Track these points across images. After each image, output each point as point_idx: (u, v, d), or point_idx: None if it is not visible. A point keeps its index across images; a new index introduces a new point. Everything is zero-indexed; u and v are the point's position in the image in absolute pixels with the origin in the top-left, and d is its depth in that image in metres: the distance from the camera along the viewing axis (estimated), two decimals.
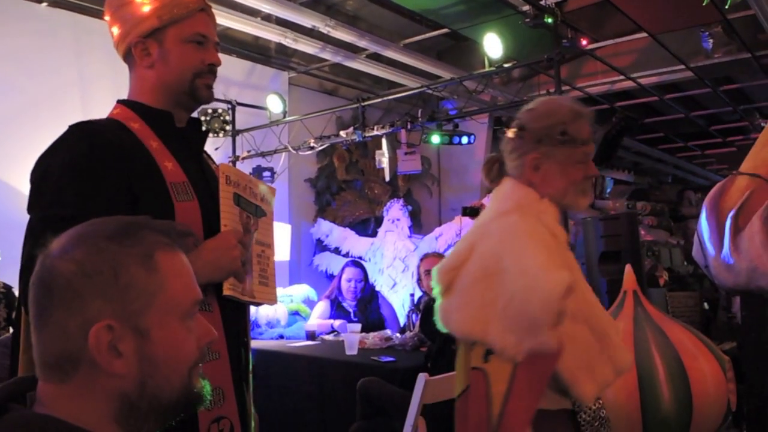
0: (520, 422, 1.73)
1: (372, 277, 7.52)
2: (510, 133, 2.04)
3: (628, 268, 3.89)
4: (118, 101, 1.94)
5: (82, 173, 1.70)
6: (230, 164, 2.04)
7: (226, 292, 1.81)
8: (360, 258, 7.76)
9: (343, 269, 6.14)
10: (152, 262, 1.09)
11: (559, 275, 1.72)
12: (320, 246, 8.12)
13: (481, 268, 1.87)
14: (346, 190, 8.66)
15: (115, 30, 1.93)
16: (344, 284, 5.98)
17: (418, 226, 9.00)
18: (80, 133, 1.77)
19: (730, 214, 1.86)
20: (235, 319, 1.92)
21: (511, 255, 1.81)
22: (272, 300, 2.12)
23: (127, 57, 1.94)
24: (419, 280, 5.25)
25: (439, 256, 5.22)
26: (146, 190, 1.76)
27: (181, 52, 1.89)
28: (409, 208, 8.09)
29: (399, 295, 7.26)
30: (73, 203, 1.65)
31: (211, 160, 2.14)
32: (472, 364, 1.86)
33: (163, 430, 1.15)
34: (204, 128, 2.13)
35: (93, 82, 5.71)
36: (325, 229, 8.01)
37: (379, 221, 8.17)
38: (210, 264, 1.76)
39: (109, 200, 1.69)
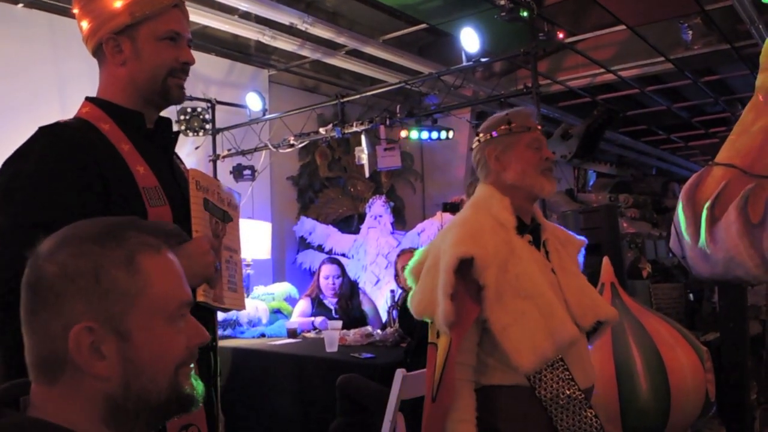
0: (446, 390, 2.06)
1: (355, 273, 7.53)
2: (474, 144, 2.40)
3: (605, 260, 3.90)
4: (87, 98, 1.91)
5: (53, 178, 1.67)
6: (199, 168, 2.00)
7: (200, 298, 1.78)
8: (343, 255, 7.76)
9: (319, 267, 6.14)
10: (134, 264, 1.09)
11: (454, 250, 2.06)
12: (303, 244, 8.10)
13: (432, 258, 2.17)
14: (328, 188, 8.64)
15: (85, 24, 1.88)
16: (323, 282, 5.98)
17: (402, 222, 9.00)
18: (51, 137, 1.74)
19: (707, 205, 1.86)
20: (204, 326, 1.89)
21: (443, 242, 2.16)
22: (240, 306, 2.09)
23: (97, 52, 1.90)
24: (396, 276, 5.25)
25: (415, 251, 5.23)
26: (119, 195, 1.73)
27: (154, 49, 1.85)
28: (391, 204, 8.08)
29: (383, 291, 7.25)
30: (45, 209, 1.62)
31: (180, 160, 2.11)
32: (430, 340, 2.19)
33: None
34: (176, 128, 2.11)
35: (71, 83, 5.66)
36: (308, 226, 7.99)
37: (362, 218, 8.16)
38: (185, 270, 1.73)
39: (81, 205, 1.65)
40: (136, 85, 1.87)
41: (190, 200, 1.85)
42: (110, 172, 1.73)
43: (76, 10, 1.91)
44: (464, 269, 2.06)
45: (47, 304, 1.05)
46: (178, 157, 2.11)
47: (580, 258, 2.43)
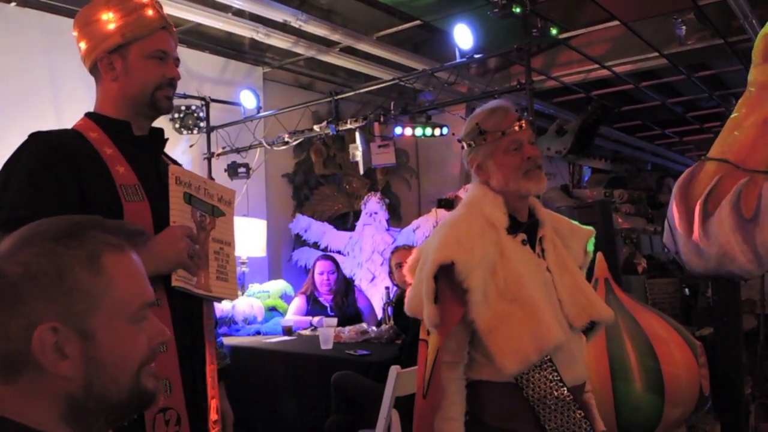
0: (435, 387, 2.08)
1: (351, 271, 7.54)
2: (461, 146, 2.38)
3: (599, 256, 3.90)
4: (85, 114, 2.09)
5: (36, 179, 1.84)
6: (194, 166, 2.13)
7: (174, 283, 1.91)
8: (339, 252, 7.77)
9: (314, 264, 6.20)
10: (98, 264, 1.09)
11: (435, 255, 2.06)
12: (299, 241, 8.10)
13: (424, 258, 2.15)
14: (324, 185, 8.63)
15: (83, 45, 2.08)
16: (317, 278, 6.02)
17: (398, 219, 8.99)
18: (36, 143, 1.92)
19: (700, 200, 1.86)
20: (188, 314, 2.02)
21: (431, 243, 2.16)
22: (232, 295, 2.23)
23: (93, 71, 2.09)
24: (390, 273, 5.25)
25: (409, 248, 5.23)
26: (96, 192, 1.89)
27: (143, 66, 2.05)
28: (387, 201, 8.08)
29: (378, 288, 7.25)
30: (28, 205, 1.78)
31: (176, 163, 2.26)
32: (420, 337, 2.20)
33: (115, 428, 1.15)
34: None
35: (65, 82, 5.65)
36: (304, 224, 7.98)
37: (357, 215, 8.14)
38: (155, 256, 1.83)
39: (60, 202, 1.81)
40: (127, 98, 2.06)
41: (169, 194, 2.00)
42: (89, 172, 1.90)
43: (75, 33, 2.10)
44: (448, 273, 2.05)
45: (8, 303, 1.04)
46: (176, 163, 2.25)
47: (591, 248, 2.40)
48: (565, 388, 2.09)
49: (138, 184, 1.96)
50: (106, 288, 1.09)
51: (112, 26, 2.02)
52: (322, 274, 6.00)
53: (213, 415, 2.06)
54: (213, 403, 2.07)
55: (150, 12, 2.06)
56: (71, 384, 1.06)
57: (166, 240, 1.87)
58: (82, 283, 1.07)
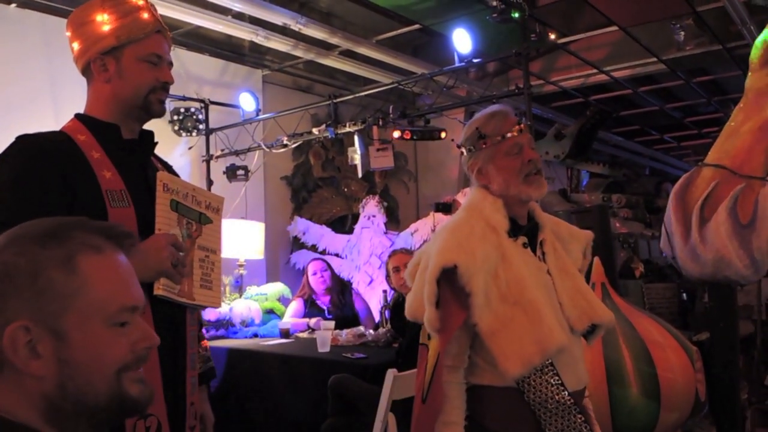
0: (436, 392, 2.06)
1: (349, 274, 7.55)
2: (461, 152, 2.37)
3: (596, 260, 3.90)
4: (75, 115, 2.08)
5: (21, 182, 1.84)
6: (169, 173, 2.13)
7: (157, 291, 1.91)
8: (337, 255, 7.77)
9: (306, 268, 6.25)
10: (72, 264, 1.09)
11: (437, 258, 2.05)
12: (297, 244, 8.09)
13: (425, 261, 2.14)
14: (322, 188, 8.62)
15: (76, 45, 2.08)
16: (312, 279, 6.05)
17: (396, 222, 8.99)
18: (23, 145, 1.92)
19: (696, 206, 1.86)
20: (171, 321, 2.02)
21: (432, 247, 2.15)
22: (216, 303, 2.24)
23: (86, 71, 2.09)
24: (387, 276, 5.25)
25: (406, 252, 5.23)
26: (81, 197, 1.89)
27: (136, 69, 2.05)
28: (385, 204, 8.07)
29: (376, 291, 7.24)
30: (11, 208, 1.78)
31: (167, 167, 2.27)
32: (421, 341, 2.20)
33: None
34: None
35: (64, 83, 5.64)
36: (302, 227, 7.97)
37: (356, 218, 8.14)
38: (138, 264, 1.81)
39: (43, 206, 1.79)
40: (119, 101, 2.06)
41: (156, 201, 2.01)
42: (75, 176, 1.90)
43: (68, 33, 2.11)
44: (450, 276, 2.04)
45: None
46: (167, 166, 2.26)
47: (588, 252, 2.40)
48: (566, 392, 2.09)
49: (124, 189, 1.96)
50: (80, 288, 1.09)
51: (106, 28, 2.01)
52: (315, 274, 6.02)
53: (190, 421, 2.07)
54: (191, 409, 2.08)
55: (145, 15, 2.06)
56: (45, 384, 1.07)
57: (150, 248, 1.87)
58: (55, 283, 1.07)
